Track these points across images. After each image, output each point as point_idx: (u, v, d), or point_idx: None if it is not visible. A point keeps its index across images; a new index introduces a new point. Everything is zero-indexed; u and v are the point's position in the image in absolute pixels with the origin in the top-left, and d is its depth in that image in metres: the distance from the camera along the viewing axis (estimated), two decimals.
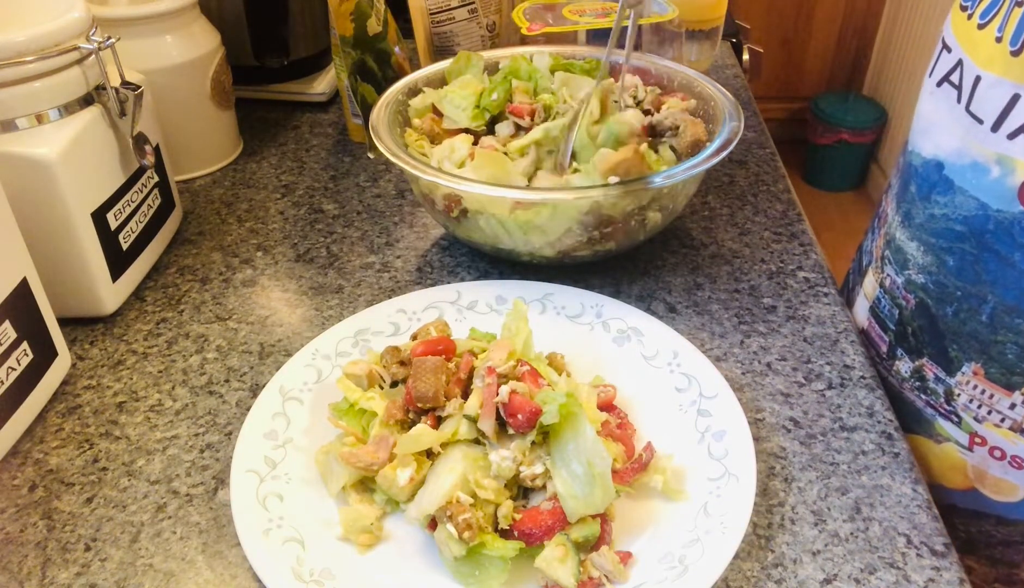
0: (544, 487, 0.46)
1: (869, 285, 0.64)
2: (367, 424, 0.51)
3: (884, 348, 0.62)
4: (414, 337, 0.56)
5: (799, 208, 0.77)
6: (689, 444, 0.51)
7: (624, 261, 0.70)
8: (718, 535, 0.44)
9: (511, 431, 0.47)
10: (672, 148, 0.68)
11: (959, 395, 0.56)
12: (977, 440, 0.56)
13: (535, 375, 0.49)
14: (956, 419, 0.56)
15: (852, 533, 0.48)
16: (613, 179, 0.63)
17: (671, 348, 0.57)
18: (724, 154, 0.61)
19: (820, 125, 2.63)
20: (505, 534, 0.45)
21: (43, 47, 0.55)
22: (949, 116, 0.53)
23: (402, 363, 0.53)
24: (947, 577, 0.45)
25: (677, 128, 0.67)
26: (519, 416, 0.46)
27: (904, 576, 0.45)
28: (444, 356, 0.51)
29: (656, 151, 0.67)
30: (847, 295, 0.69)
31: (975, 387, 0.55)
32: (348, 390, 0.52)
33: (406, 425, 0.50)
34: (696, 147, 0.65)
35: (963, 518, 0.59)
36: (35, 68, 0.56)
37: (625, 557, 0.44)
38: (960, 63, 0.52)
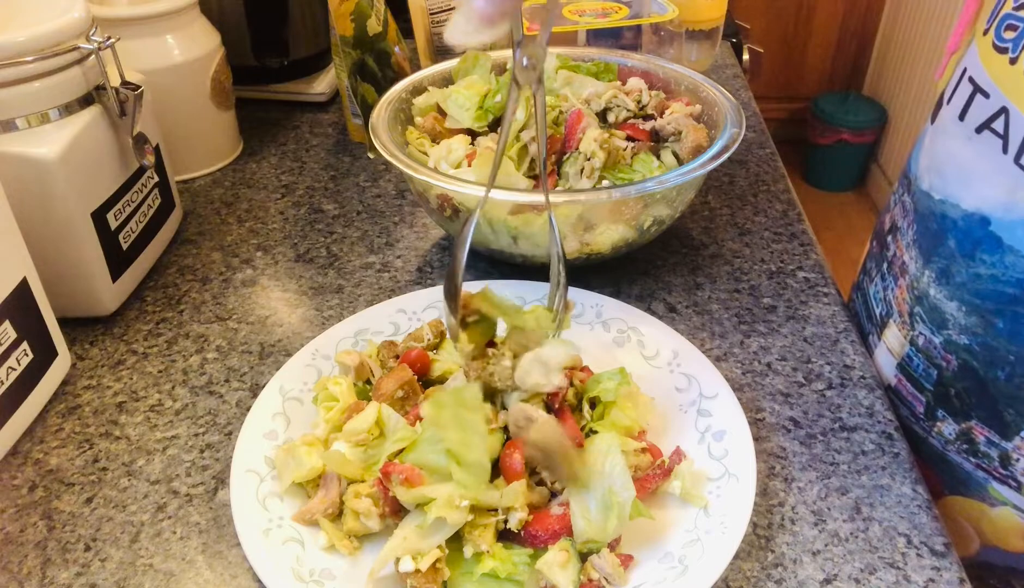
0: (562, 490, 0.46)
1: (895, 341, 0.60)
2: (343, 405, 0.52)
3: (920, 408, 0.58)
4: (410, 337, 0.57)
5: (799, 208, 0.77)
6: (689, 444, 0.51)
7: (624, 261, 0.70)
8: (718, 535, 0.44)
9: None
10: (674, 153, 0.68)
11: (1018, 460, 0.52)
12: None
13: (585, 368, 0.52)
14: (1015, 483, 0.53)
15: (852, 533, 0.48)
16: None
17: (671, 348, 0.57)
18: (718, 162, 0.60)
19: (820, 125, 2.63)
20: (509, 536, 0.45)
21: (43, 47, 0.55)
22: (993, 167, 0.49)
23: (397, 357, 0.55)
24: (947, 577, 0.45)
25: (679, 133, 0.67)
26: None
27: (904, 576, 0.45)
28: (416, 375, 0.52)
29: (658, 156, 0.67)
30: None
31: None
32: (319, 380, 0.54)
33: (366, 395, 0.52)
34: (697, 152, 0.65)
35: (1022, 580, 0.57)
36: (35, 68, 0.55)
37: (626, 560, 0.44)
38: (1004, 111, 0.48)
